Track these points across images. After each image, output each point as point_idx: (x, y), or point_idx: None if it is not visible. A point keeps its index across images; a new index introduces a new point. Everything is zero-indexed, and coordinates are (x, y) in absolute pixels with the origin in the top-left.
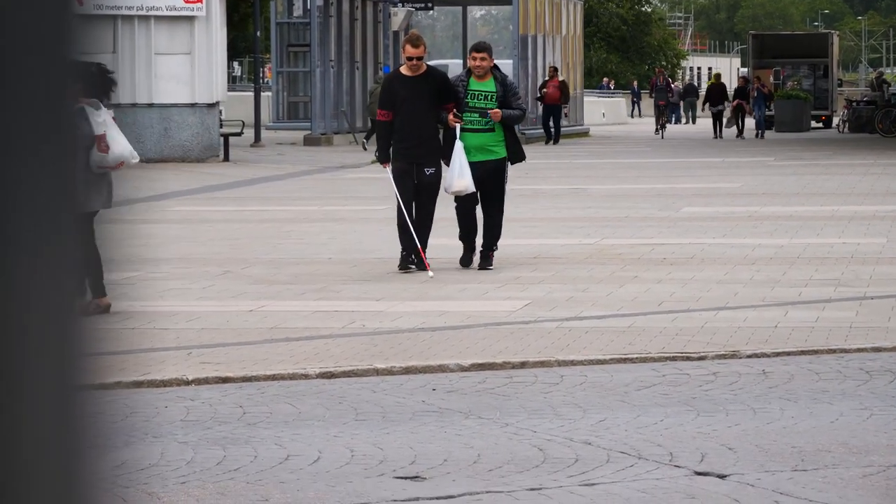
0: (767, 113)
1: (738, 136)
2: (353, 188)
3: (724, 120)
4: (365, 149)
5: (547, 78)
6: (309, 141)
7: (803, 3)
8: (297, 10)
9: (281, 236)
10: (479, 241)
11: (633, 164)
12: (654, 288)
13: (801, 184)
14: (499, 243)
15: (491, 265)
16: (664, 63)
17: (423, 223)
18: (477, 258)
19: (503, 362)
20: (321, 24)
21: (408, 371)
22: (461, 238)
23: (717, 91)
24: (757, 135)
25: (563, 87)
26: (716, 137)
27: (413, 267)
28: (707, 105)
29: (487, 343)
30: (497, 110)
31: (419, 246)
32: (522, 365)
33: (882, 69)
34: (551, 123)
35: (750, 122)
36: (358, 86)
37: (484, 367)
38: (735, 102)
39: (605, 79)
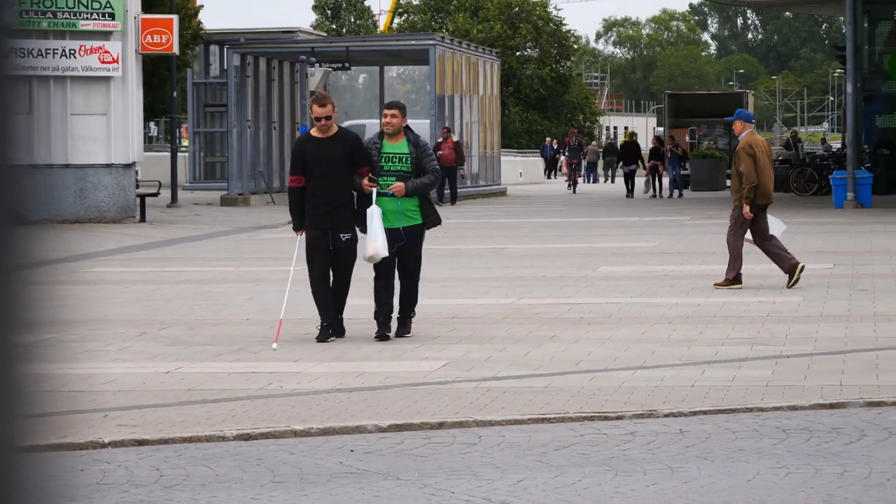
0: (683, 172)
1: (652, 197)
2: (271, 248)
3: (645, 180)
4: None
5: (440, 139)
6: (226, 201)
7: (718, 62)
8: (214, 71)
9: (198, 297)
10: (395, 306)
11: (551, 223)
12: (572, 347)
13: (717, 243)
14: (416, 306)
15: (409, 332)
16: (582, 121)
17: (339, 291)
18: (394, 326)
19: (421, 423)
20: (238, 85)
21: (325, 432)
22: (376, 315)
23: (630, 150)
24: (671, 195)
25: (458, 147)
26: (628, 197)
27: (333, 338)
28: (620, 164)
29: (405, 404)
30: (399, 185)
31: (280, 319)
32: (440, 425)
33: (796, 128)
34: (447, 185)
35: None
36: (275, 146)
37: (402, 428)
38: (651, 164)
39: (548, 139)
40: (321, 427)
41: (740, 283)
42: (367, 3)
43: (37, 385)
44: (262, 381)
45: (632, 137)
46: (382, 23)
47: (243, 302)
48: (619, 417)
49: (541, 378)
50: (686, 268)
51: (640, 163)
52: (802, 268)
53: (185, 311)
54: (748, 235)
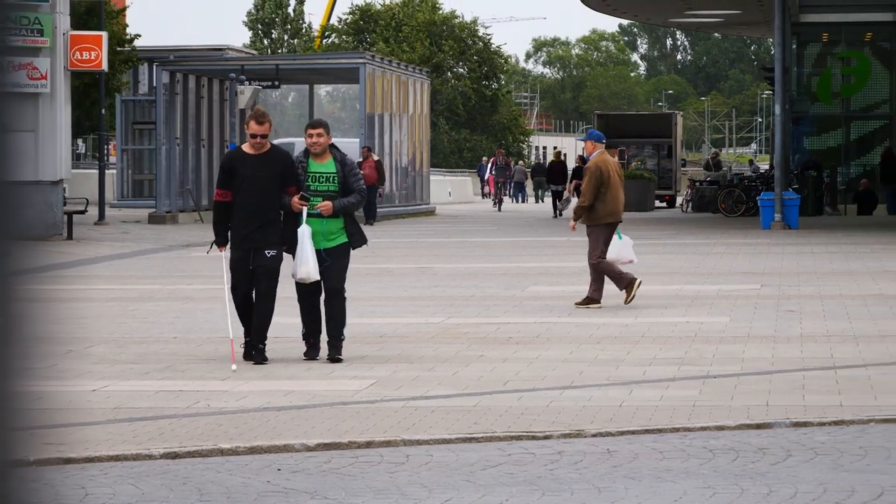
0: None
1: None
2: (199, 267)
3: (564, 197)
4: None
5: (361, 159)
6: (154, 219)
7: (648, 83)
8: (143, 88)
9: (125, 315)
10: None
11: (479, 242)
12: (500, 367)
13: (645, 263)
14: (345, 328)
15: (340, 355)
16: (511, 140)
17: (262, 316)
18: (324, 349)
19: (349, 442)
20: (167, 102)
21: (253, 451)
22: (304, 337)
23: (558, 170)
24: None
25: (379, 166)
26: (555, 216)
27: (256, 360)
28: (550, 185)
29: (333, 423)
30: (327, 204)
31: (231, 338)
32: (368, 445)
33: (717, 150)
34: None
35: None
36: (204, 164)
37: (329, 447)
38: (573, 183)
39: (484, 158)
40: (248, 446)
41: (599, 303)
42: (307, 19)
43: None
44: (190, 399)
45: (560, 157)
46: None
47: (171, 320)
48: (546, 437)
49: (469, 397)
50: (614, 287)
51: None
52: (598, 307)
53: (113, 329)
54: (623, 253)
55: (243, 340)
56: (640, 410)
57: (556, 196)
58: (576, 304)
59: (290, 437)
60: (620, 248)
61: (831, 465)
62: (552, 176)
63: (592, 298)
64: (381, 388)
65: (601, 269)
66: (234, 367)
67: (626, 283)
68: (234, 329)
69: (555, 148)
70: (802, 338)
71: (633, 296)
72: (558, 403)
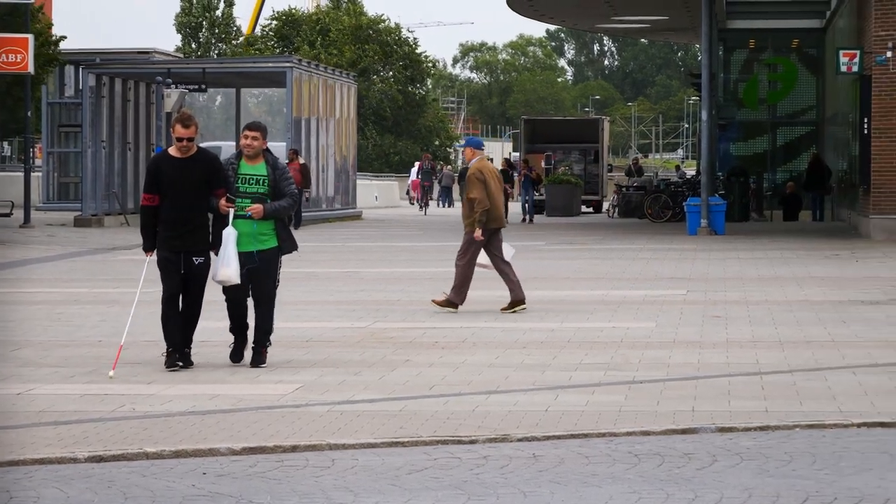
0: (538, 197)
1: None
2: (124, 270)
3: None
4: None
5: (287, 161)
6: (79, 222)
7: (575, 88)
8: (69, 91)
9: (51, 319)
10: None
11: (405, 247)
12: (426, 371)
13: (571, 268)
14: (271, 334)
15: (264, 362)
16: (438, 145)
17: (189, 319)
18: (249, 354)
19: (274, 446)
20: (93, 105)
21: (178, 455)
22: (231, 331)
23: None
24: (524, 220)
25: (304, 170)
26: None
27: (180, 364)
28: None
29: (259, 427)
30: (258, 207)
31: (120, 344)
32: (294, 449)
33: (638, 156)
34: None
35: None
36: (130, 167)
37: (255, 451)
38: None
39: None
40: (174, 450)
41: (456, 308)
42: (237, 23)
43: None
44: (115, 403)
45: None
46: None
47: (96, 323)
48: (472, 441)
49: (395, 402)
50: (540, 293)
51: None
52: (524, 308)
53: (38, 333)
54: (483, 259)
55: (165, 349)
56: (565, 415)
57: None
58: (501, 309)
59: (216, 440)
60: (505, 250)
61: (756, 471)
62: None
63: (516, 301)
64: (307, 392)
65: (502, 272)
66: (111, 373)
67: (460, 300)
68: (128, 335)
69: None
70: (728, 343)
71: (445, 310)
72: (484, 408)
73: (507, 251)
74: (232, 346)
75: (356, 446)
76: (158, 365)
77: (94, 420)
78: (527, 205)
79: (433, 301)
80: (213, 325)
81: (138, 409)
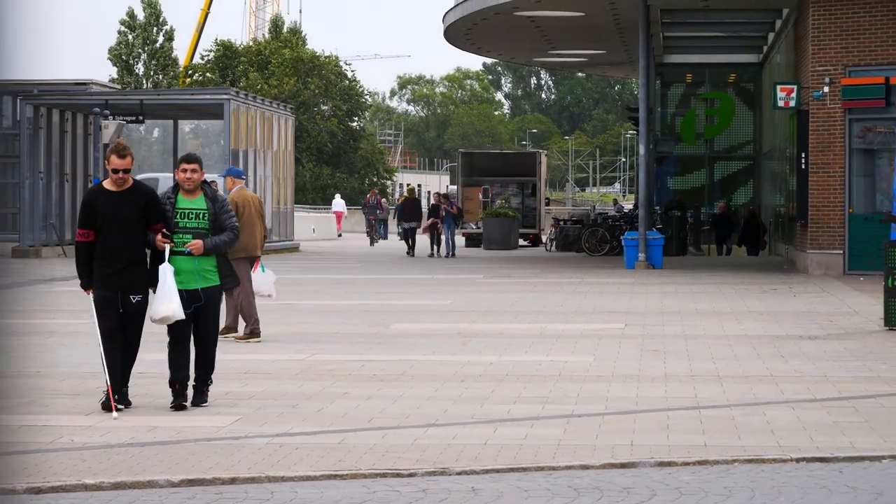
0: (474, 230)
1: (430, 256)
2: (63, 301)
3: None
4: None
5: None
6: (17, 253)
7: (512, 122)
8: (7, 121)
9: None
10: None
11: (343, 279)
12: (365, 404)
13: (509, 301)
14: (213, 376)
15: (206, 401)
16: (376, 178)
17: (126, 358)
18: (190, 393)
19: (213, 478)
20: (31, 136)
21: (117, 486)
22: (171, 383)
23: (410, 206)
24: (447, 254)
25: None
26: (408, 254)
27: (121, 407)
28: (402, 222)
29: (197, 459)
30: (198, 243)
31: (109, 385)
32: (232, 481)
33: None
34: None
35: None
36: (67, 198)
37: (194, 483)
38: (430, 221)
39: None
40: (113, 482)
41: (259, 336)
42: (175, 54)
43: None
44: (53, 434)
45: (413, 194)
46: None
47: (34, 355)
48: (411, 475)
49: (334, 434)
50: (478, 326)
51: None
52: (236, 336)
53: None
54: (262, 288)
55: (106, 387)
56: (504, 449)
57: (408, 233)
58: (236, 338)
59: (154, 472)
60: (261, 282)
61: None
62: (404, 213)
63: (230, 328)
64: (245, 424)
65: (243, 307)
66: (114, 415)
67: (250, 330)
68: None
69: (408, 185)
70: (667, 377)
71: (244, 340)
72: (423, 441)
73: (267, 279)
74: (173, 397)
75: (295, 479)
76: (98, 396)
77: (33, 451)
78: (448, 240)
79: (236, 338)
80: (150, 357)
81: (77, 441)
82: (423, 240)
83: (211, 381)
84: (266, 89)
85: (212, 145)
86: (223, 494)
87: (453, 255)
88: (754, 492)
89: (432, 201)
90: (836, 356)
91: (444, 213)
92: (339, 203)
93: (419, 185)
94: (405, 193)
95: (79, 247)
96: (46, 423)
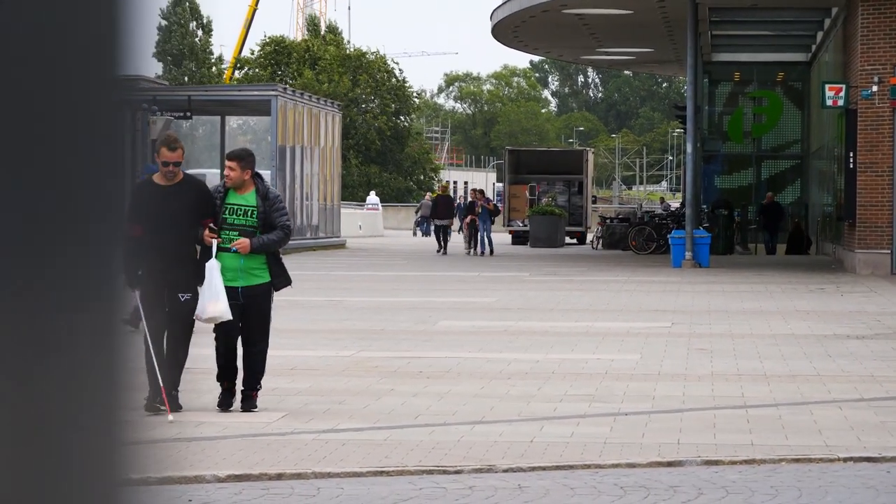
0: (520, 227)
1: (467, 253)
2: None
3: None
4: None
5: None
6: None
7: (559, 119)
8: None
9: None
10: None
11: (390, 276)
12: (411, 401)
13: (556, 299)
14: (262, 377)
15: (255, 406)
16: (423, 176)
17: (176, 360)
18: (238, 398)
19: (259, 474)
20: None
21: (163, 482)
22: (218, 378)
23: (443, 204)
24: (482, 252)
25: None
26: (439, 252)
27: (163, 408)
28: (434, 219)
29: (244, 454)
30: (244, 241)
31: (162, 386)
32: (279, 477)
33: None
34: None
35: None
36: None
37: (240, 479)
38: (468, 218)
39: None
40: (159, 476)
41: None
42: (217, 50)
43: None
44: None
45: (445, 191)
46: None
47: None
48: (457, 472)
49: (380, 431)
50: (525, 324)
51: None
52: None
53: None
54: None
55: (149, 393)
56: (551, 446)
57: (441, 230)
58: None
59: (201, 467)
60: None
61: None
62: (437, 210)
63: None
64: (292, 420)
65: None
66: (170, 418)
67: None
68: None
69: (440, 181)
70: (713, 376)
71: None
72: (469, 438)
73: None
74: (220, 396)
75: (341, 475)
76: (143, 390)
77: None
78: (485, 237)
79: None
80: (197, 352)
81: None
82: (455, 237)
83: (260, 387)
84: (320, 87)
85: (260, 142)
86: (269, 490)
87: (491, 252)
88: (801, 491)
89: (469, 198)
90: (883, 356)
91: (480, 210)
92: (373, 199)
93: (439, 181)
94: (437, 190)
95: (126, 241)
96: None
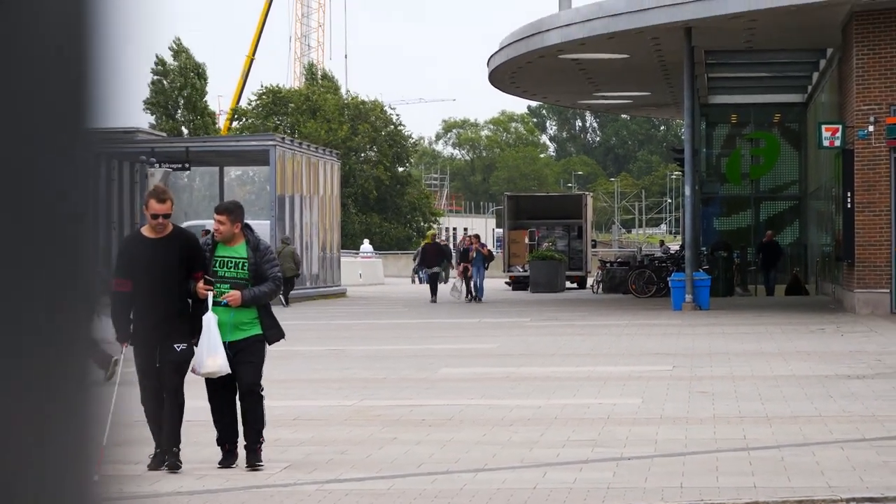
0: (520, 273)
1: (467, 300)
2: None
3: (453, 284)
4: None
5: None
6: None
7: (557, 164)
8: None
9: None
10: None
11: (390, 324)
12: (414, 449)
13: (557, 344)
14: (264, 430)
15: (261, 461)
16: (422, 222)
17: (173, 417)
18: (242, 455)
19: None
20: None
21: None
22: (219, 442)
23: (432, 251)
24: (472, 298)
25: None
26: (432, 301)
27: (166, 466)
28: (424, 267)
29: None
30: (235, 294)
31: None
32: None
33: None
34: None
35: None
36: (114, 247)
37: None
38: (461, 266)
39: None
40: None
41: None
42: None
43: None
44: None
45: (432, 238)
46: (222, 123)
47: None
48: None
49: (383, 480)
50: (526, 369)
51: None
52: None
53: None
54: None
55: (152, 451)
56: (554, 492)
57: (432, 278)
58: None
59: None
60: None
61: None
62: (426, 258)
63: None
64: (294, 471)
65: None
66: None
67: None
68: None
69: (429, 228)
70: (715, 419)
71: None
72: (472, 486)
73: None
74: (222, 457)
75: None
76: (147, 444)
77: None
78: (477, 282)
79: None
80: (196, 405)
81: (126, 490)
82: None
83: (262, 440)
84: (323, 136)
85: (260, 192)
86: None
87: (479, 299)
88: None
89: (463, 245)
90: (884, 395)
91: (474, 255)
92: (367, 248)
93: (429, 228)
94: (426, 239)
95: (115, 297)
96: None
